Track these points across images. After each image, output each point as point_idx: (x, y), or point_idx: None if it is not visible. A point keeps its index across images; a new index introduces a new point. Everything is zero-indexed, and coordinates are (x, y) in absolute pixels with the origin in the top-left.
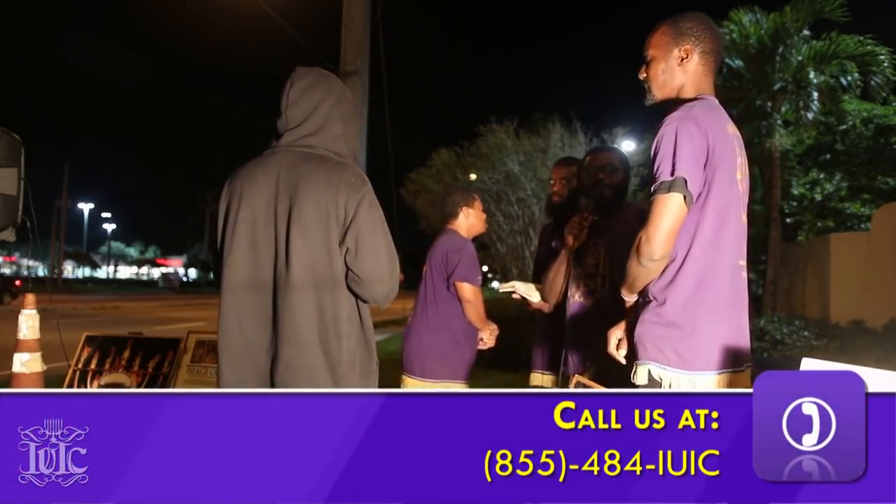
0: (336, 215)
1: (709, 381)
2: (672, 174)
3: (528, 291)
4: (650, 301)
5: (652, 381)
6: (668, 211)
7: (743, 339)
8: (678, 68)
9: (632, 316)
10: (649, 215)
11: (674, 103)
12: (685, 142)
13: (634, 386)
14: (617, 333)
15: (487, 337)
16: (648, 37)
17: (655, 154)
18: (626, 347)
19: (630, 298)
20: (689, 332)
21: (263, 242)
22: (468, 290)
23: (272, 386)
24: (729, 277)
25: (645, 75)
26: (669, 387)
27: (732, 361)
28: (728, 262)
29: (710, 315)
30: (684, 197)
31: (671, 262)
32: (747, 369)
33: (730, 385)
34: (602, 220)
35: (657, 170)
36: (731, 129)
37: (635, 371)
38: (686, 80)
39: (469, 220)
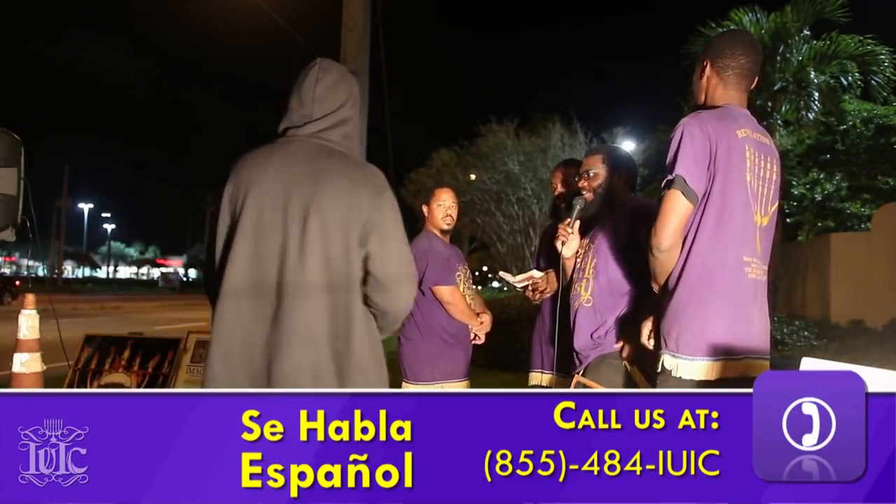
0: (357, 214)
1: (705, 367)
2: (672, 173)
3: (545, 278)
4: (666, 293)
5: (664, 370)
6: (669, 206)
7: (744, 330)
8: (700, 82)
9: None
10: (659, 210)
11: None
12: (687, 143)
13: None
14: (648, 325)
15: (477, 329)
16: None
17: (667, 155)
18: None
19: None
20: (690, 320)
21: (269, 233)
22: (445, 292)
23: (269, 384)
24: (732, 271)
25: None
26: (677, 372)
27: (729, 350)
28: (732, 256)
29: (711, 305)
30: (683, 193)
31: (679, 255)
32: (745, 359)
33: (725, 372)
34: (592, 223)
35: (667, 169)
36: (743, 133)
37: (661, 360)
38: (707, 92)
39: (430, 216)
